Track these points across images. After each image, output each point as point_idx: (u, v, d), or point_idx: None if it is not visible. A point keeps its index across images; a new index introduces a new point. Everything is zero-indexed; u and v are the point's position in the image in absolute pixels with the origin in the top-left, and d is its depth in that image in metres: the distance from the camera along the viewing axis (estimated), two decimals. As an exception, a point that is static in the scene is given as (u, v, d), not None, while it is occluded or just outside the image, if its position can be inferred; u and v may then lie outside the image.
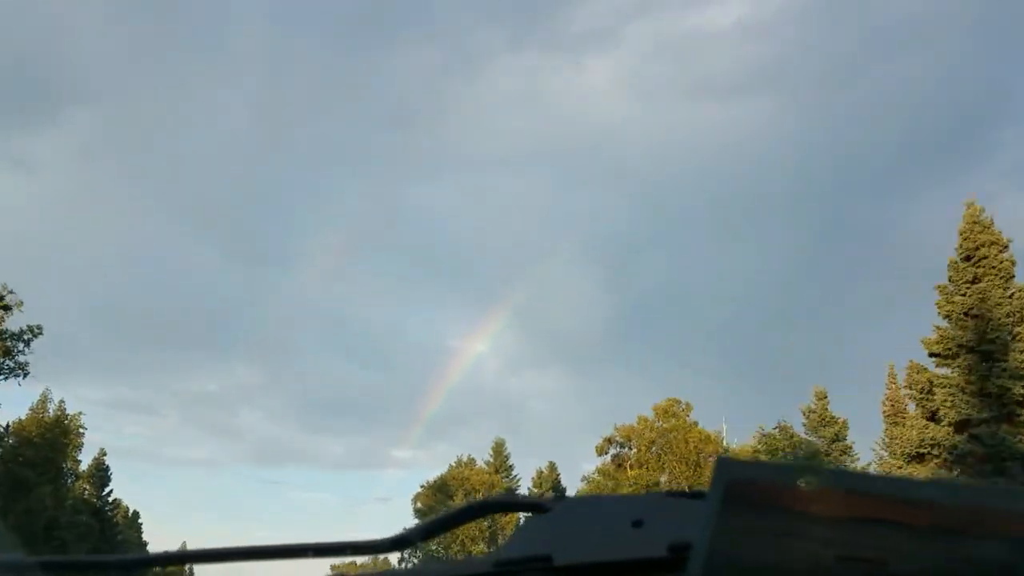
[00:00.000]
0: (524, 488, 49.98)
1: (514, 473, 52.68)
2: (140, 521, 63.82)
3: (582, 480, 43.44)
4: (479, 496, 41.77)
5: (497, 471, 51.55)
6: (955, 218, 27.90)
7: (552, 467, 51.52)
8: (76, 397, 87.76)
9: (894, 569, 0.60)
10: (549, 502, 0.88)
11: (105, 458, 57.00)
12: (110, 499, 57.15)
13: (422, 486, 52.69)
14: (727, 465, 0.62)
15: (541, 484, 50.01)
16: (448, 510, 0.95)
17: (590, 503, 0.89)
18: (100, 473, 56.74)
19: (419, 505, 50.85)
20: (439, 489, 50.64)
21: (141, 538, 62.08)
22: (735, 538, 0.62)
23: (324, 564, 0.87)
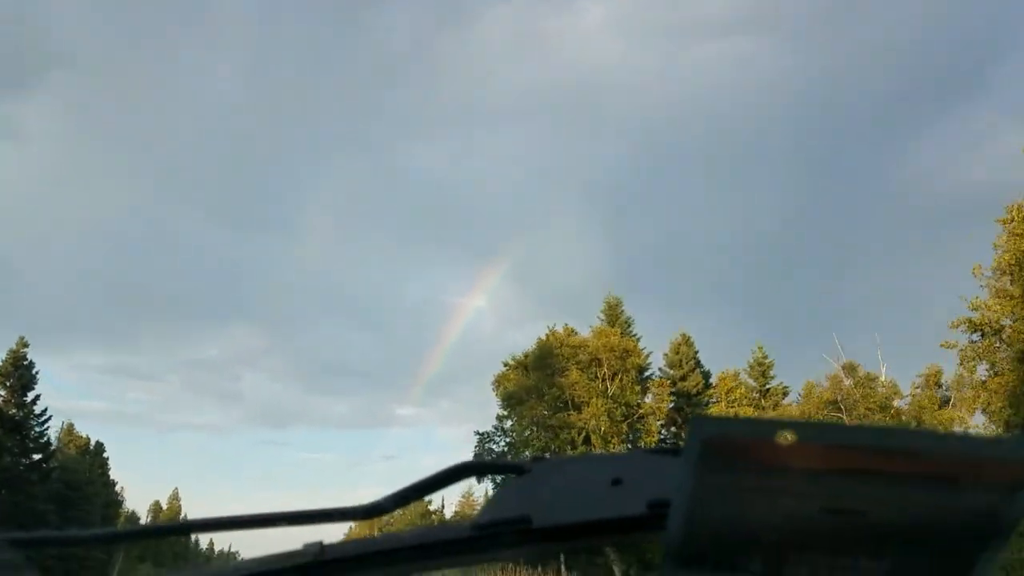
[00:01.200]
0: (658, 361, 41.05)
1: (637, 336, 40.19)
2: (105, 455, 56.84)
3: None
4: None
5: (623, 334, 39.07)
6: (955, 155, 27.89)
7: (687, 339, 41.49)
8: (78, 364, 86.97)
9: (875, 519, 0.60)
10: (527, 464, 0.87)
11: (27, 350, 41.76)
12: (36, 408, 41.34)
13: (506, 363, 41.87)
14: (702, 422, 0.61)
15: (680, 361, 40.32)
16: (426, 476, 0.94)
17: (568, 463, 0.88)
18: (20, 371, 41.32)
19: (506, 388, 40.26)
20: (539, 363, 38.35)
21: (107, 477, 56.48)
22: (714, 494, 0.62)
23: (302, 533, 0.85)
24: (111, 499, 56.66)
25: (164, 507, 67.67)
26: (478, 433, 41.47)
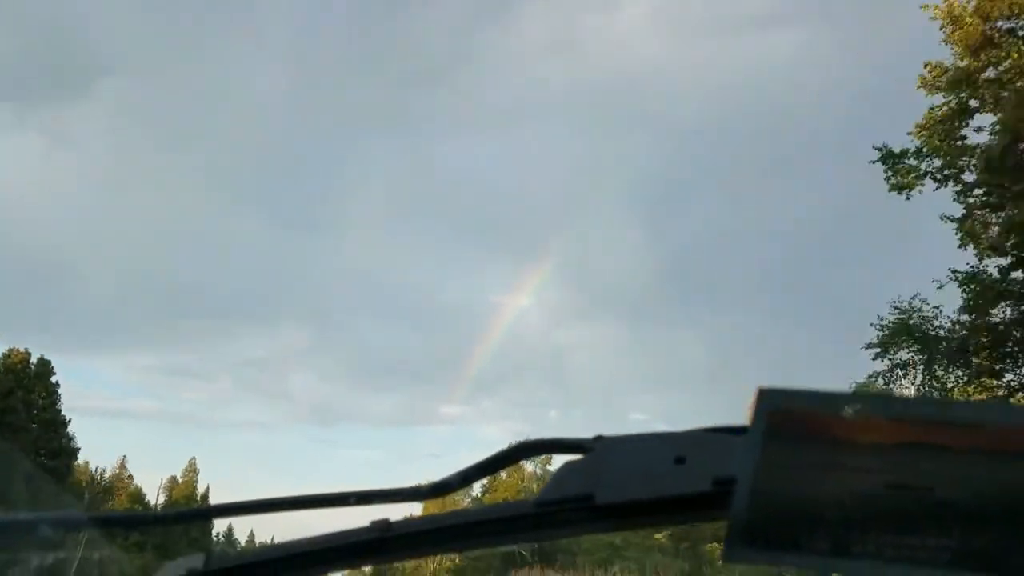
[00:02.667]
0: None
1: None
2: (55, 380, 45.89)
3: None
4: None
5: None
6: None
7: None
8: (129, 364, 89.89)
9: (942, 496, 0.59)
10: (589, 442, 0.87)
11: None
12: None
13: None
14: (769, 395, 0.61)
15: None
16: (489, 455, 0.95)
17: (631, 442, 0.88)
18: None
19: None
20: None
21: (56, 415, 45.50)
22: (779, 470, 0.61)
23: (365, 516, 0.88)
24: (59, 446, 45.88)
25: (179, 480, 64.40)
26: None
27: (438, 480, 0.93)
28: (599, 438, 0.88)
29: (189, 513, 1.01)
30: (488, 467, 0.95)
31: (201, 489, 63.21)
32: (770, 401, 0.61)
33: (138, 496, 57.93)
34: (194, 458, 64.74)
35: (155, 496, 59.02)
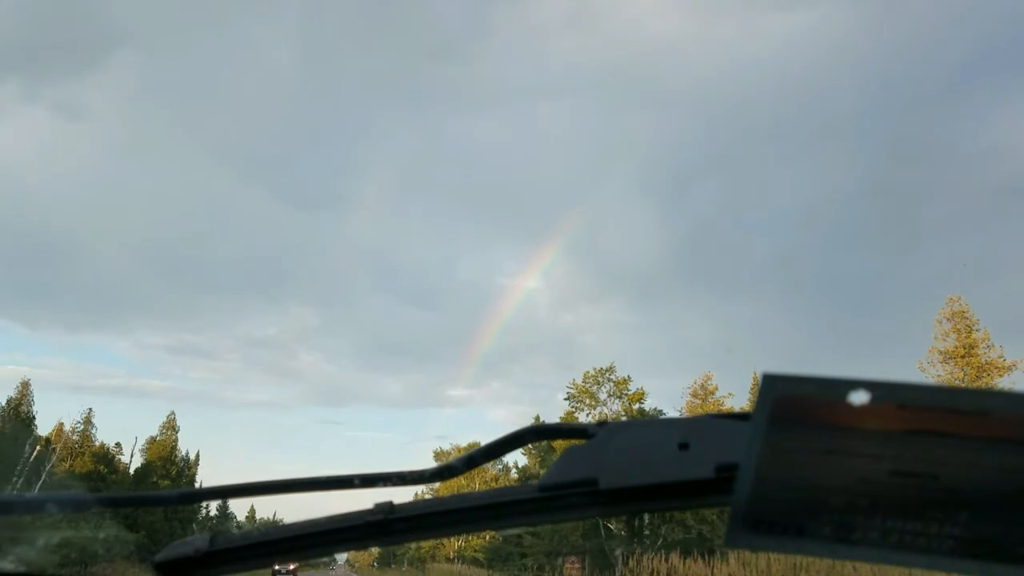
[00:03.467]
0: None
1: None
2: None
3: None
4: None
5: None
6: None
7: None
8: (140, 342, 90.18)
9: (947, 483, 0.59)
10: (594, 428, 0.87)
11: None
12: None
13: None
14: (774, 381, 0.61)
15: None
16: (494, 439, 0.95)
17: (635, 427, 0.88)
18: None
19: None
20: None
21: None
22: (782, 456, 0.61)
23: (369, 499, 0.88)
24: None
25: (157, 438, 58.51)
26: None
27: (443, 463, 0.93)
28: (603, 423, 0.88)
29: (195, 494, 1.02)
30: (493, 451, 0.95)
31: (183, 450, 59.79)
32: (774, 387, 0.60)
33: (104, 456, 52.96)
34: (172, 414, 60.71)
35: (129, 457, 55.34)
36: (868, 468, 0.60)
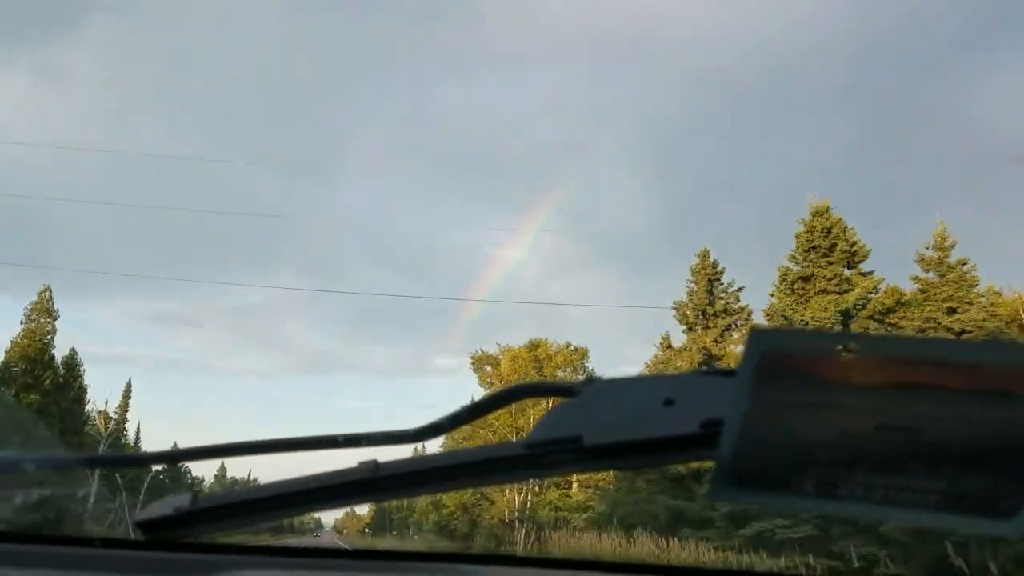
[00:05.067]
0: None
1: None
2: None
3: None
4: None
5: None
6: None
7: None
8: (122, 310, 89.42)
9: (931, 437, 0.59)
10: (579, 385, 0.87)
11: None
12: None
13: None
14: (761, 334, 0.61)
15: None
16: (481, 397, 0.95)
17: (620, 385, 0.88)
18: None
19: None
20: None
21: None
22: (768, 410, 0.61)
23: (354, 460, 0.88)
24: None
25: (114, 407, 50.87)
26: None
27: (429, 422, 0.93)
28: (589, 380, 0.88)
29: (177, 454, 1.01)
30: (479, 409, 0.95)
31: (134, 421, 54.18)
32: (760, 341, 0.60)
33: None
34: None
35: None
36: (853, 422, 0.60)
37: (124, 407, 54.14)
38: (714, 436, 0.66)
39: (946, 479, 0.60)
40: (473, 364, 46.36)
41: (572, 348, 44.42)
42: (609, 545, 25.05)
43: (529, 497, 36.63)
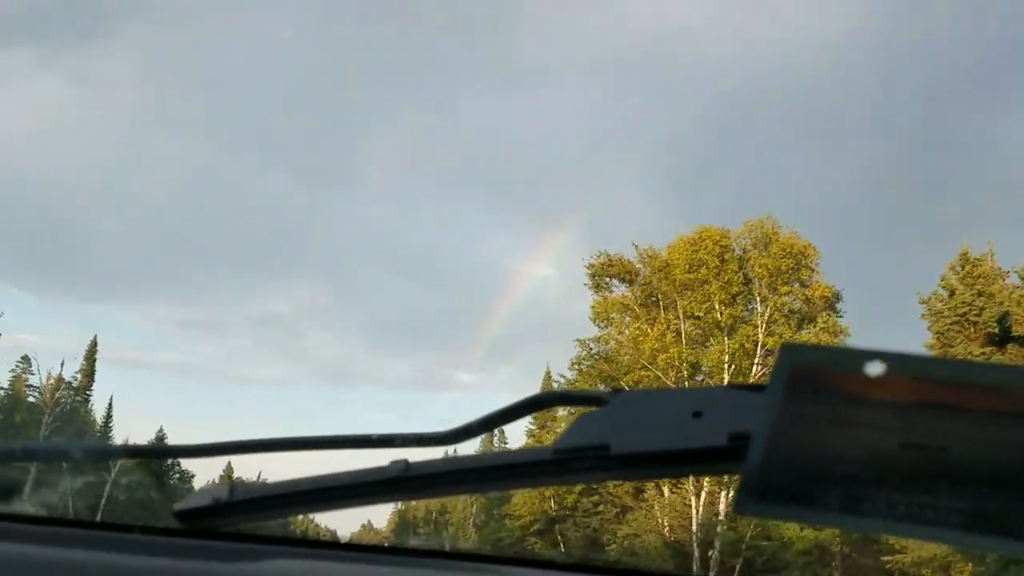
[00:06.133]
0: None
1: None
2: None
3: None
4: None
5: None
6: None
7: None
8: (147, 315, 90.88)
9: (957, 457, 0.59)
10: (607, 395, 0.88)
11: None
12: None
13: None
14: (791, 349, 0.61)
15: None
16: (510, 403, 0.97)
17: (649, 396, 0.89)
18: None
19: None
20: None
21: None
22: (795, 425, 0.62)
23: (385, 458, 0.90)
24: None
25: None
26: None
27: (460, 426, 0.94)
28: (618, 391, 0.89)
29: (212, 447, 1.04)
30: (510, 415, 0.96)
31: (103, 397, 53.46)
32: (791, 355, 0.61)
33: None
34: (95, 336, 52.93)
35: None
36: (879, 440, 0.61)
37: (88, 372, 51.93)
38: (742, 449, 0.67)
39: (970, 499, 0.60)
40: (593, 277, 36.11)
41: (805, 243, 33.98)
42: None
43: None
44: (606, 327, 36.58)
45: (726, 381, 29.17)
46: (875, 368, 0.59)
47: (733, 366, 32.62)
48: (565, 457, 0.82)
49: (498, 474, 0.87)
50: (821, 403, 0.61)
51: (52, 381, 47.35)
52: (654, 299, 34.90)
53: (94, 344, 53.52)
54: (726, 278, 33.41)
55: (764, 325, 33.11)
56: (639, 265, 35.50)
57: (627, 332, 35.42)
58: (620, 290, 36.51)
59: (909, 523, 0.62)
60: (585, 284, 36.21)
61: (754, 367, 32.47)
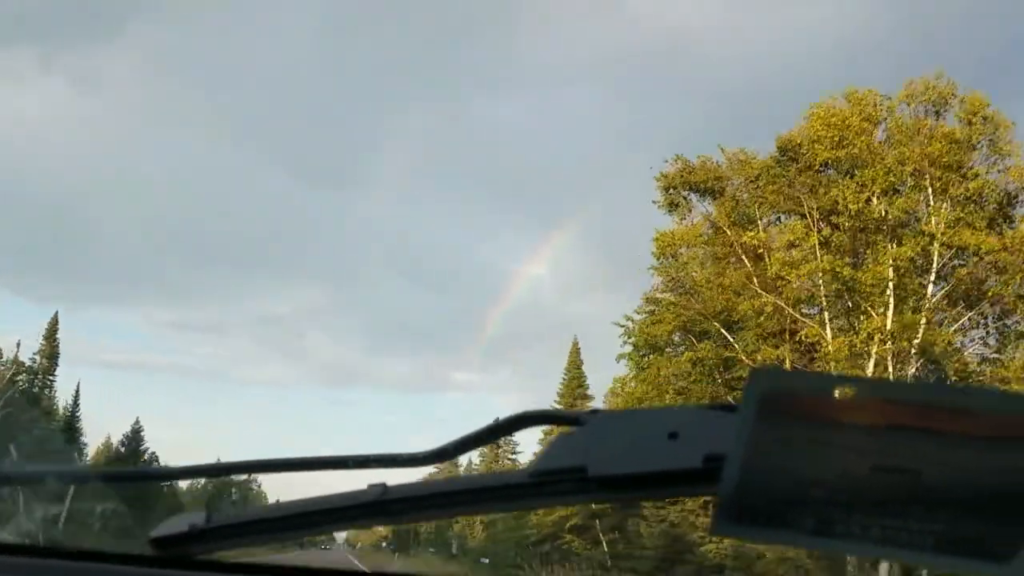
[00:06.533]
0: None
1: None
2: None
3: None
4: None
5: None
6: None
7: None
8: (146, 317, 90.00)
9: (929, 480, 0.60)
10: (585, 415, 0.88)
11: None
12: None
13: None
14: (761, 374, 0.62)
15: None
16: (487, 424, 0.97)
17: (625, 416, 0.90)
18: None
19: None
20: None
21: None
22: (768, 449, 0.63)
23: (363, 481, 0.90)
24: None
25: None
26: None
27: (437, 447, 0.94)
28: (595, 411, 0.89)
29: (190, 470, 1.03)
30: (486, 436, 0.96)
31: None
32: (762, 381, 0.62)
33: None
34: (56, 313, 49.47)
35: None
36: (852, 462, 0.62)
37: (49, 354, 48.69)
38: (716, 471, 0.67)
39: (942, 521, 0.61)
40: (667, 191, 26.05)
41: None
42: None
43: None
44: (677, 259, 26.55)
45: (891, 309, 21.38)
46: (845, 392, 0.60)
47: (897, 287, 21.85)
48: (542, 480, 0.82)
49: (475, 497, 0.88)
50: (793, 426, 0.62)
51: (5, 364, 43.15)
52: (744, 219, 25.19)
53: (55, 322, 50.25)
54: (887, 161, 22.32)
55: (941, 226, 21.85)
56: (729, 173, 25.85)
57: (702, 271, 25.58)
58: (700, 211, 26.41)
59: (883, 545, 0.63)
60: (654, 202, 26.42)
61: (929, 288, 22.20)
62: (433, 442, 0.95)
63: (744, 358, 23.50)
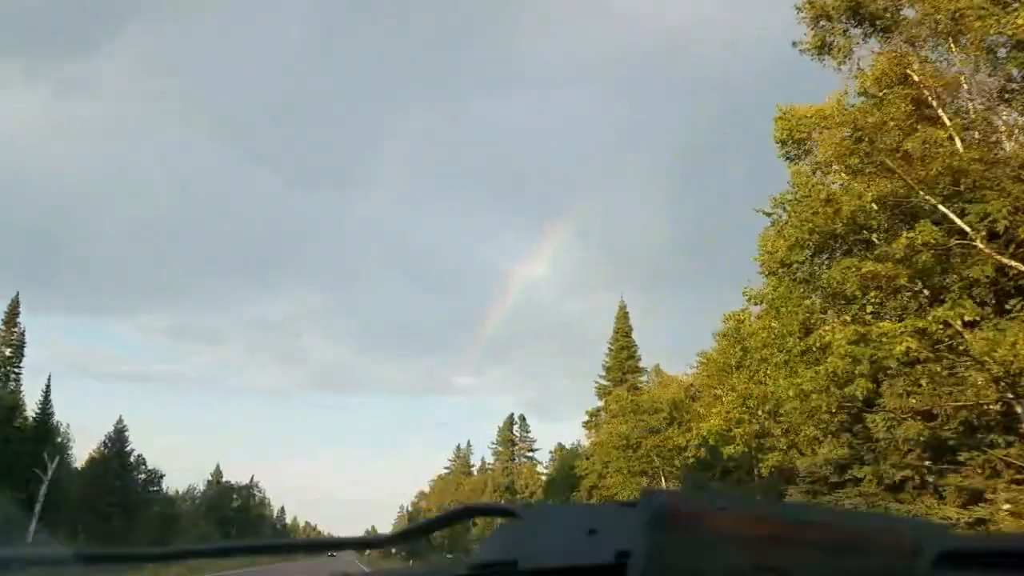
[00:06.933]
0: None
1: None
2: None
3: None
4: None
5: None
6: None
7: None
8: (142, 326, 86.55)
9: None
10: (519, 508, 1.00)
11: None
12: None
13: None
14: (651, 497, 0.77)
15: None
16: (429, 517, 1.07)
17: (554, 512, 1.01)
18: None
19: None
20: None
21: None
22: (663, 549, 0.76)
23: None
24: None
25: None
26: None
27: (383, 534, 1.05)
28: (528, 505, 1.01)
29: (175, 553, 1.11)
30: (429, 527, 1.07)
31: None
32: (651, 502, 0.76)
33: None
34: (17, 294, 47.86)
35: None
36: (735, 563, 0.76)
37: (15, 342, 46.33)
38: (624, 567, 0.80)
39: None
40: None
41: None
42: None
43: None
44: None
45: None
46: (727, 509, 0.75)
47: None
48: (478, 573, 0.93)
49: None
50: (682, 534, 0.76)
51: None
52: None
53: (15, 305, 46.58)
54: None
55: None
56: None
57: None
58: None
59: None
60: (794, 44, 17.88)
61: None
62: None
63: (982, 245, 14.29)
